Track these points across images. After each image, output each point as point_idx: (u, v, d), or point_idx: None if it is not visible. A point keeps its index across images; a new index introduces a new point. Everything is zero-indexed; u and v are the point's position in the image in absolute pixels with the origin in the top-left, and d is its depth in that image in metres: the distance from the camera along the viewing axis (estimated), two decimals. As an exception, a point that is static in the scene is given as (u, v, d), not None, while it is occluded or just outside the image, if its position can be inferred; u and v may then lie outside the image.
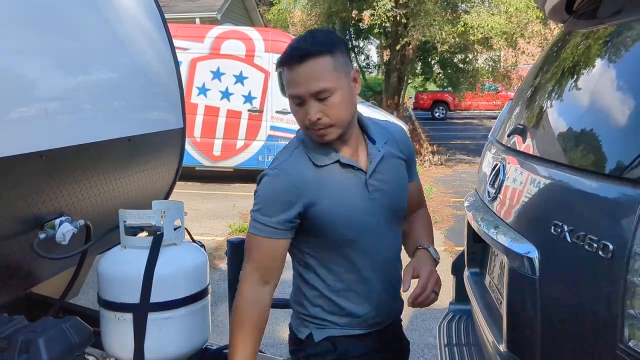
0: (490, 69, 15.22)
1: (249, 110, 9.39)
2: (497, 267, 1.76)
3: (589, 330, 1.10)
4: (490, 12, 11.63)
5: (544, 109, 1.61)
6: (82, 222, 2.19)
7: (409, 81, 18.31)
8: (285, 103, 9.38)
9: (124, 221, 1.92)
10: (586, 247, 1.08)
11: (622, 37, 1.38)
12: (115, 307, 1.86)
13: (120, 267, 1.87)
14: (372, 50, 22.79)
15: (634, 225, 0.96)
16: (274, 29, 13.30)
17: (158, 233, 1.88)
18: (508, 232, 1.49)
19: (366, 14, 15.90)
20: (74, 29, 2.35)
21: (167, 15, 3.28)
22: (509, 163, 1.68)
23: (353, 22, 17.70)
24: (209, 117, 9.34)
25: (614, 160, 1.12)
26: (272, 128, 9.34)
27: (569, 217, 1.18)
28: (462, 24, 11.21)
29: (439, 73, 19.50)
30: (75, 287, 2.69)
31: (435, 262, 1.61)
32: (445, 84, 19.48)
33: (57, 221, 2.08)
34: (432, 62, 17.73)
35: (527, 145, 1.58)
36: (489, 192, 1.77)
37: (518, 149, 1.65)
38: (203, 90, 9.45)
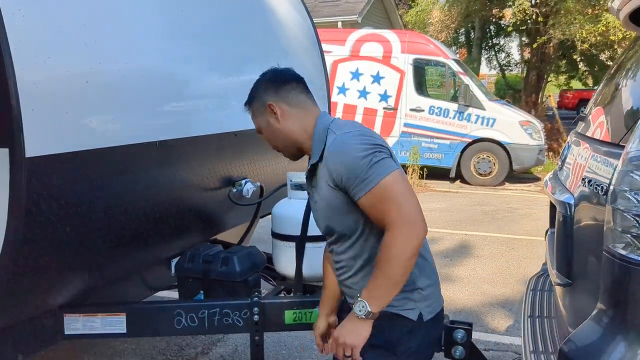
0: (639, 66, 14.40)
1: (384, 108, 9.96)
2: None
3: (596, 243, 1.67)
4: (637, 8, 11.16)
5: (598, 100, 2.14)
6: (258, 183, 3.05)
7: (550, 79, 17.76)
8: (418, 101, 9.88)
9: (291, 180, 2.73)
10: (594, 189, 1.66)
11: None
12: (284, 238, 2.68)
13: (288, 211, 2.68)
14: (513, 48, 22.33)
15: (614, 172, 1.53)
16: (411, 31, 13.72)
17: (313, 189, 2.66)
18: (563, 190, 2.05)
19: (507, 11, 15.76)
20: (254, 42, 3.22)
21: (313, 20, 4.00)
22: (572, 142, 2.22)
23: (494, 19, 17.58)
24: (347, 114, 9.94)
25: (617, 134, 1.68)
26: (406, 125, 9.80)
27: (590, 172, 1.75)
28: (604, 23, 10.95)
29: (584, 71, 18.67)
30: (247, 239, 3.60)
31: (357, 318, 1.55)
32: (591, 83, 18.60)
33: (243, 181, 2.95)
34: (578, 59, 17.08)
35: (582, 127, 2.13)
36: (559, 165, 2.33)
37: (578, 131, 2.20)
38: (342, 90, 10.19)
